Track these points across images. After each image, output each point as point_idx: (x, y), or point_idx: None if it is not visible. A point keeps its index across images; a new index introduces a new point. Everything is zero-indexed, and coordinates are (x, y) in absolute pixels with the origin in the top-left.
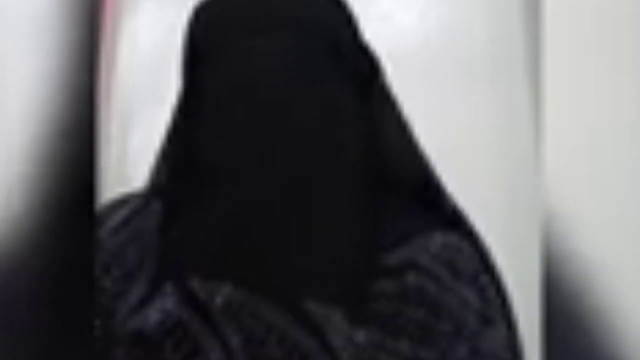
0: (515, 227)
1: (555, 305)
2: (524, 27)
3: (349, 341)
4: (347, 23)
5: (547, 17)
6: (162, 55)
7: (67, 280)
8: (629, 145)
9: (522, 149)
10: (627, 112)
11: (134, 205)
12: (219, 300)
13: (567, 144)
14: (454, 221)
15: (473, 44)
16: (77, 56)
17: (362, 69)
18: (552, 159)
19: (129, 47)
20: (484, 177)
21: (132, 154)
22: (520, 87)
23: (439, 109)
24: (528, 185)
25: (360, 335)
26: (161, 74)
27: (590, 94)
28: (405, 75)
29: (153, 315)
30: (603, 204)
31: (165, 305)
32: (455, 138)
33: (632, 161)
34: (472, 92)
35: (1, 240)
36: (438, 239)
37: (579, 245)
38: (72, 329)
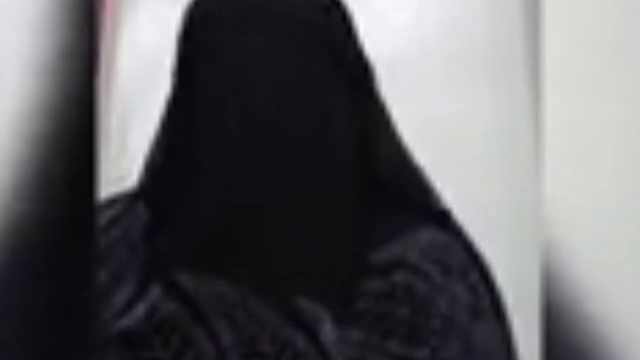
0: (515, 228)
1: (555, 332)
2: (524, 27)
3: (339, 340)
4: (343, 23)
5: (547, 17)
6: (162, 55)
7: (64, 279)
8: (630, 145)
9: (522, 150)
10: (628, 113)
11: (124, 206)
12: (210, 295)
13: (567, 144)
14: (443, 219)
15: (471, 44)
16: (77, 56)
17: (357, 70)
18: (552, 160)
19: (129, 47)
20: (482, 178)
21: (131, 152)
22: (520, 87)
23: (435, 109)
24: (528, 186)
25: (351, 335)
26: (161, 73)
27: (591, 93)
28: (401, 76)
29: (140, 312)
30: (603, 209)
31: (152, 300)
32: (452, 139)
33: (634, 161)
34: (470, 93)
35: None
36: (426, 236)
37: (579, 271)
38: (66, 327)
